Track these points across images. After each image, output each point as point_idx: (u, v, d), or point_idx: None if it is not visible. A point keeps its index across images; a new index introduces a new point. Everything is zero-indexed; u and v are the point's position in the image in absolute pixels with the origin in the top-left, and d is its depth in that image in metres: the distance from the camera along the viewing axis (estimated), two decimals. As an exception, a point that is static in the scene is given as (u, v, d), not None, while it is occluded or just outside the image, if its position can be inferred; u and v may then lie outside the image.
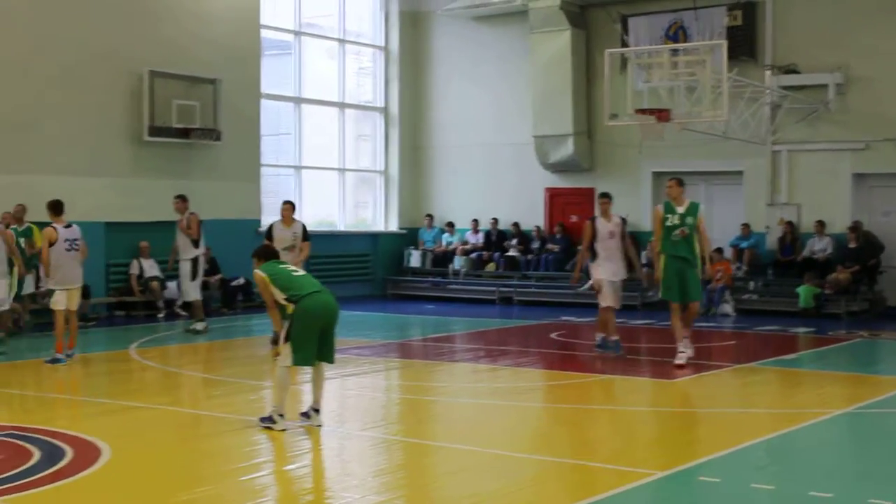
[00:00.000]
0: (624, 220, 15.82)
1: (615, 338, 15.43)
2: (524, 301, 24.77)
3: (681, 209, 14.28)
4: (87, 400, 12.53)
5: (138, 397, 12.51)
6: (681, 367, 14.08)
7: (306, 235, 16.16)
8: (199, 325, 18.14)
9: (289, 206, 16.34)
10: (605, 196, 15.54)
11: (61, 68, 20.48)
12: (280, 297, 10.25)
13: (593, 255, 15.31)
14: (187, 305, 19.45)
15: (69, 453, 9.20)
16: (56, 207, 15.01)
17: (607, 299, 15.23)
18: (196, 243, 18.26)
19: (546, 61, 25.61)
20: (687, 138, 21.53)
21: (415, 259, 27.50)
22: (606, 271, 15.18)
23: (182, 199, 18.33)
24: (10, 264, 15.50)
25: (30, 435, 9.91)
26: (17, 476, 8.42)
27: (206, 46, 22.94)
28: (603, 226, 15.23)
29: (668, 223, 14.24)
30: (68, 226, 14.98)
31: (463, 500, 7.92)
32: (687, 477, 8.58)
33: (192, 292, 18.32)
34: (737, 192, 24.07)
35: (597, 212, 15.74)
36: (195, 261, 18.22)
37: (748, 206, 23.81)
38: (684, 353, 14.27)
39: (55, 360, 14.55)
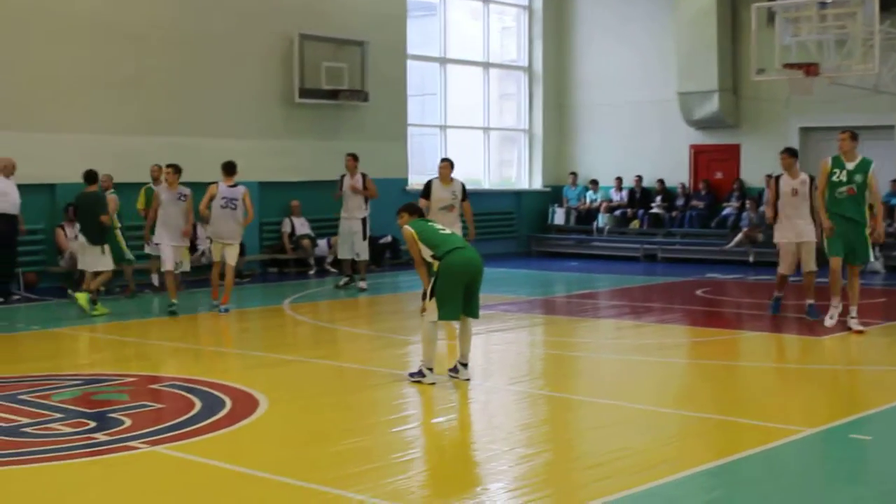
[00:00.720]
0: (812, 178, 14.41)
1: (809, 301, 14.43)
2: (668, 258, 24.52)
3: (850, 165, 13.22)
4: (244, 353, 12.81)
5: (292, 351, 12.78)
6: (831, 327, 13.50)
7: (466, 195, 15.66)
8: (363, 283, 18.26)
9: (447, 164, 15.60)
10: (786, 151, 14.65)
11: (216, 33, 20.91)
12: (427, 253, 10.34)
13: (776, 215, 14.56)
14: (337, 263, 19.72)
15: (228, 404, 9.46)
16: (225, 168, 15.78)
17: (782, 265, 14.59)
18: (367, 203, 18.41)
19: (691, 16, 25.15)
20: (836, 93, 21.02)
21: (559, 216, 27.43)
22: (786, 233, 14.43)
23: (353, 157, 18.35)
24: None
25: (191, 385, 10.23)
26: (180, 424, 8.70)
27: (353, 9, 23.16)
28: (786, 183, 14.38)
29: (835, 178, 13.26)
30: (234, 185, 15.51)
31: (608, 455, 7.89)
32: (837, 434, 8.40)
33: (364, 252, 18.36)
34: (889, 148, 23.26)
35: (781, 168, 14.69)
36: (365, 220, 18.34)
37: (900, 162, 23.09)
38: (836, 311, 13.60)
39: (214, 307, 15.63)
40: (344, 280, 18.66)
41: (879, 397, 9.80)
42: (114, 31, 19.58)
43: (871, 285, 19.20)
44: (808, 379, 11.27)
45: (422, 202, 14.63)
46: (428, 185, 15.47)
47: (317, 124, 22.51)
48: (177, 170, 15.68)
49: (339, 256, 19.25)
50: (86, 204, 15.67)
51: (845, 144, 13.33)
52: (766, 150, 24.87)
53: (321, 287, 19.37)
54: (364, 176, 18.37)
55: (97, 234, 15.54)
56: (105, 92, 19.46)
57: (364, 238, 18.37)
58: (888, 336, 13.87)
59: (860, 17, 18.90)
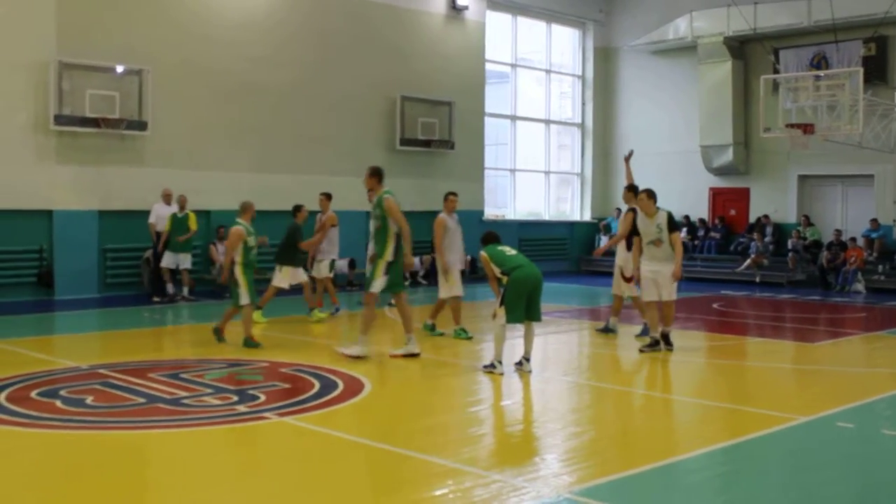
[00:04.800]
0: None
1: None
2: (691, 277, 24.07)
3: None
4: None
5: (391, 345, 12.74)
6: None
7: (673, 225, 11.65)
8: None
9: (644, 195, 11.60)
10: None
11: (338, 94, 21.18)
12: (497, 271, 10.34)
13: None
14: (427, 276, 19.63)
15: (341, 385, 9.50)
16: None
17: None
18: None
19: (711, 86, 24.92)
20: (827, 148, 20.81)
21: (603, 242, 27.07)
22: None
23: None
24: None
25: (312, 370, 10.30)
26: (303, 401, 8.76)
27: (444, 77, 23.26)
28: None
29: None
30: None
31: (639, 434, 7.81)
32: (826, 422, 8.22)
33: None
34: (868, 193, 22.93)
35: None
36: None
37: (878, 204, 22.67)
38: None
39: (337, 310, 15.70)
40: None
41: (860, 393, 9.55)
42: (261, 92, 19.90)
43: (854, 303, 18.77)
44: (802, 376, 11.05)
45: (636, 240, 12.18)
46: (634, 221, 12.12)
47: (413, 167, 22.60)
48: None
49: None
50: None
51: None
52: (771, 192, 24.59)
53: (413, 296, 19.26)
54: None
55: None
56: (251, 139, 19.77)
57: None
58: (868, 344, 13.56)
59: (848, 88, 18.68)
